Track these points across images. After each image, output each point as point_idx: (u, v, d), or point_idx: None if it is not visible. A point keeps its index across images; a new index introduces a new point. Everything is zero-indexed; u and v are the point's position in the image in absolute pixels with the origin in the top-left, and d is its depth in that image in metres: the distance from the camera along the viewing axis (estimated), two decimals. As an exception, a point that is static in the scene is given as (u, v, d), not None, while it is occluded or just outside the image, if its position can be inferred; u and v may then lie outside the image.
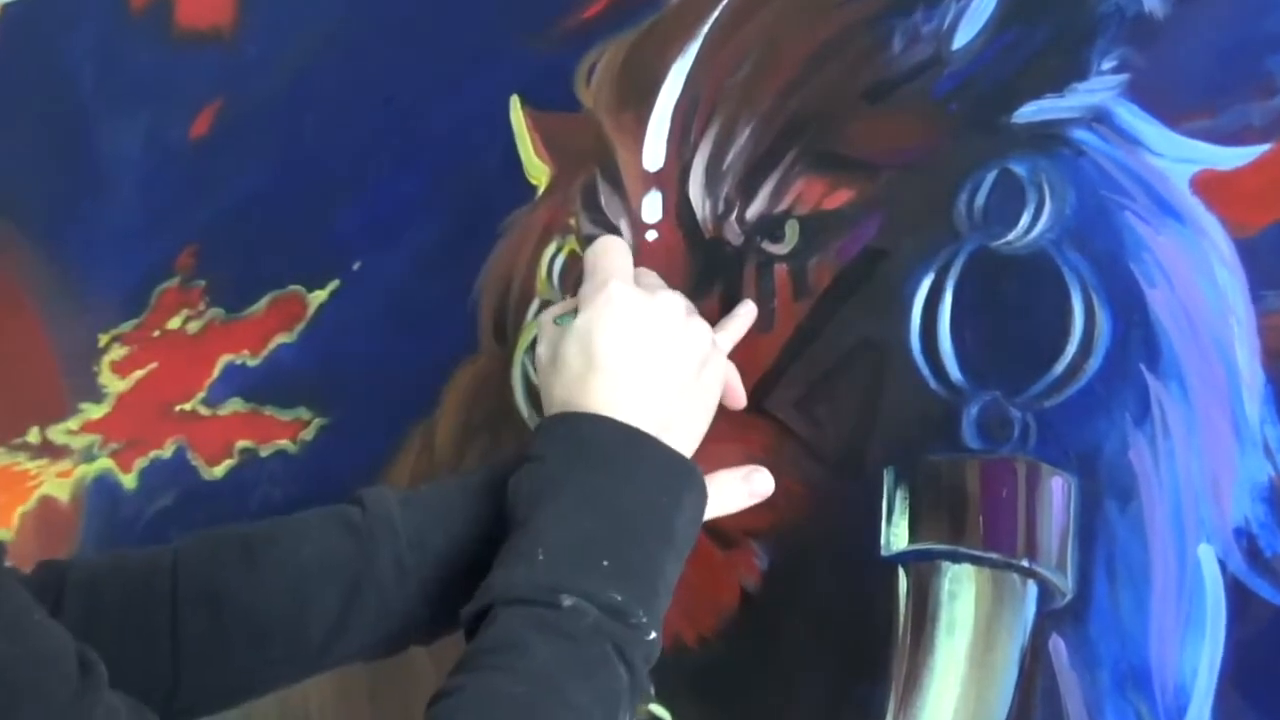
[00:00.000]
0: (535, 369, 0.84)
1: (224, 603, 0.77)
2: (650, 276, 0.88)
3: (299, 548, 0.79)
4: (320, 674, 0.80)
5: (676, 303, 0.81)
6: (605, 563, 0.70)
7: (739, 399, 0.88)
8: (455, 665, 0.68)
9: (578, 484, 0.74)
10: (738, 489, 0.84)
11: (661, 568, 0.73)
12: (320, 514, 0.81)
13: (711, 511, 0.80)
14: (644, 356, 0.78)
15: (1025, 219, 0.81)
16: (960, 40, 0.85)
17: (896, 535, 0.83)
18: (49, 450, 1.35)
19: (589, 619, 0.68)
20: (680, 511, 0.75)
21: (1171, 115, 0.78)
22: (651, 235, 0.96)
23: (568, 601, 0.68)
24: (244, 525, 0.83)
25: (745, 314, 0.89)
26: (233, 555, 0.79)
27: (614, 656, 0.68)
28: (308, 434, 1.16)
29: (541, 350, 0.83)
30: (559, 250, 1.02)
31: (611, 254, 0.83)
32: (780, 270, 0.90)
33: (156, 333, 1.29)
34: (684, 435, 0.79)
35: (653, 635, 0.71)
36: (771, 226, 0.91)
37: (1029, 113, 0.82)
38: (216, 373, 1.24)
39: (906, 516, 0.82)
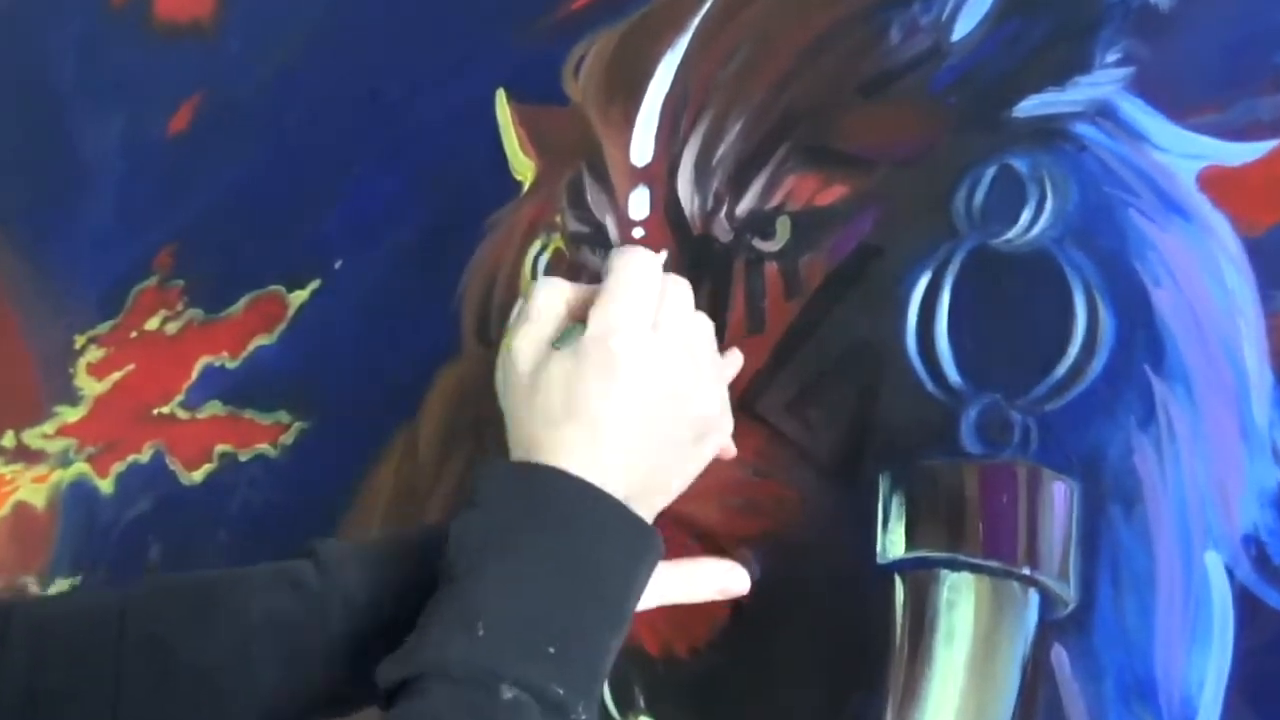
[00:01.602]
0: (503, 376, 0.77)
1: (169, 653, 0.75)
2: (677, 290, 0.79)
3: (249, 602, 0.76)
4: None
5: (698, 358, 0.76)
6: (551, 649, 0.65)
7: (728, 451, 0.85)
8: None
9: (530, 548, 0.68)
10: (712, 582, 0.82)
11: (606, 654, 0.69)
12: (272, 569, 0.78)
13: (674, 597, 0.79)
14: (639, 422, 0.73)
15: (1026, 216, 0.80)
16: (960, 32, 0.85)
17: (893, 542, 0.82)
18: (24, 455, 1.36)
19: (528, 715, 0.64)
20: (634, 590, 0.71)
21: (1177, 109, 0.77)
22: (638, 232, 0.95)
23: (508, 694, 0.63)
24: (195, 575, 0.81)
25: (732, 362, 0.86)
26: (183, 606, 0.77)
27: None
28: (288, 438, 1.16)
29: (521, 366, 0.76)
30: (544, 248, 1.02)
31: (636, 284, 0.76)
32: (771, 268, 0.89)
33: (134, 334, 1.30)
34: (657, 502, 0.76)
35: None
36: (762, 223, 0.90)
37: (1030, 107, 0.82)
38: (195, 375, 1.24)
39: (903, 523, 0.82)
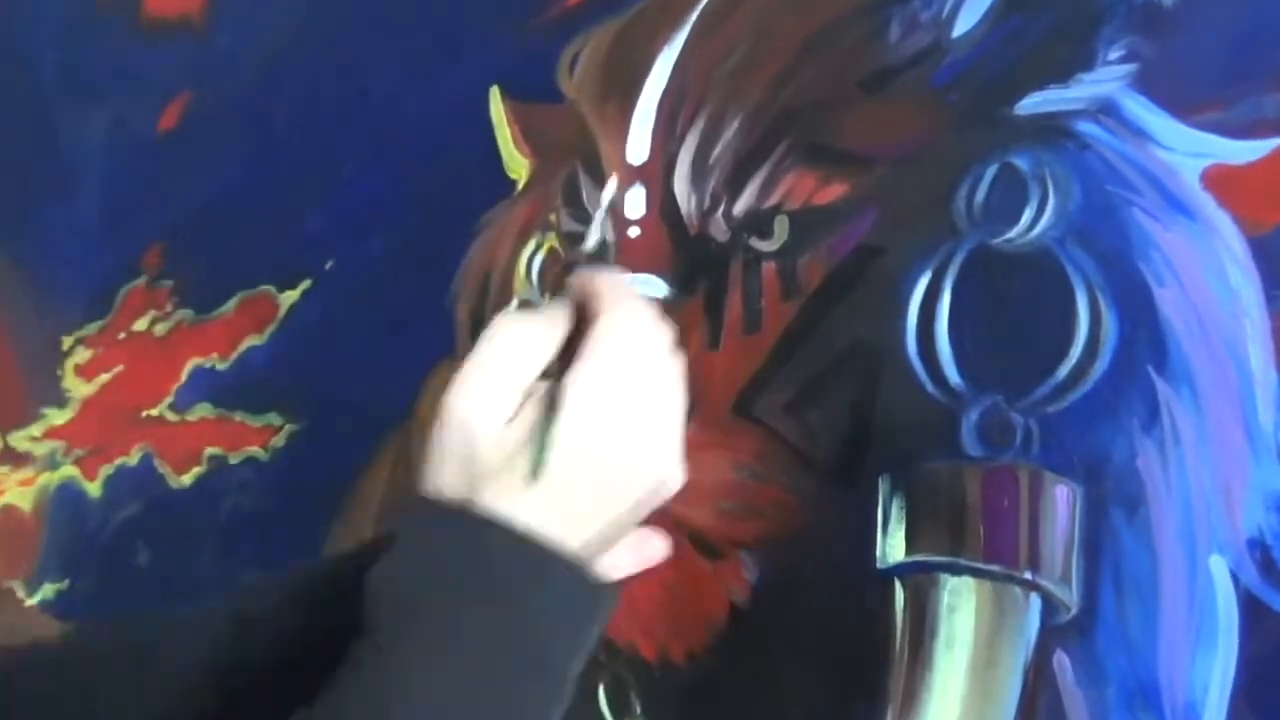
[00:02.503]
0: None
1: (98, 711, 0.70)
2: (655, 334, 0.70)
3: (180, 651, 0.70)
4: None
5: (663, 410, 0.68)
6: None
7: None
8: None
9: (465, 616, 0.60)
10: (629, 557, 0.71)
11: None
12: (203, 613, 0.71)
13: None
14: (604, 488, 0.65)
15: (1028, 215, 0.80)
16: (961, 28, 0.85)
17: (893, 546, 0.82)
18: (10, 457, 1.36)
19: None
20: (580, 658, 0.62)
21: (1181, 107, 0.77)
22: (634, 231, 0.95)
23: None
24: (129, 623, 0.76)
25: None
26: (119, 660, 0.71)
27: None
28: (279, 441, 1.16)
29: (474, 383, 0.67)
30: (539, 247, 1.02)
31: (620, 323, 0.67)
32: (769, 268, 0.89)
33: (122, 335, 1.30)
34: (605, 547, 0.66)
35: None
36: (760, 222, 0.90)
37: (1032, 104, 0.82)
38: (184, 376, 1.24)
39: (903, 527, 0.82)
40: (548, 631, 0.61)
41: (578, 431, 0.64)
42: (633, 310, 0.68)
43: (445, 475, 0.63)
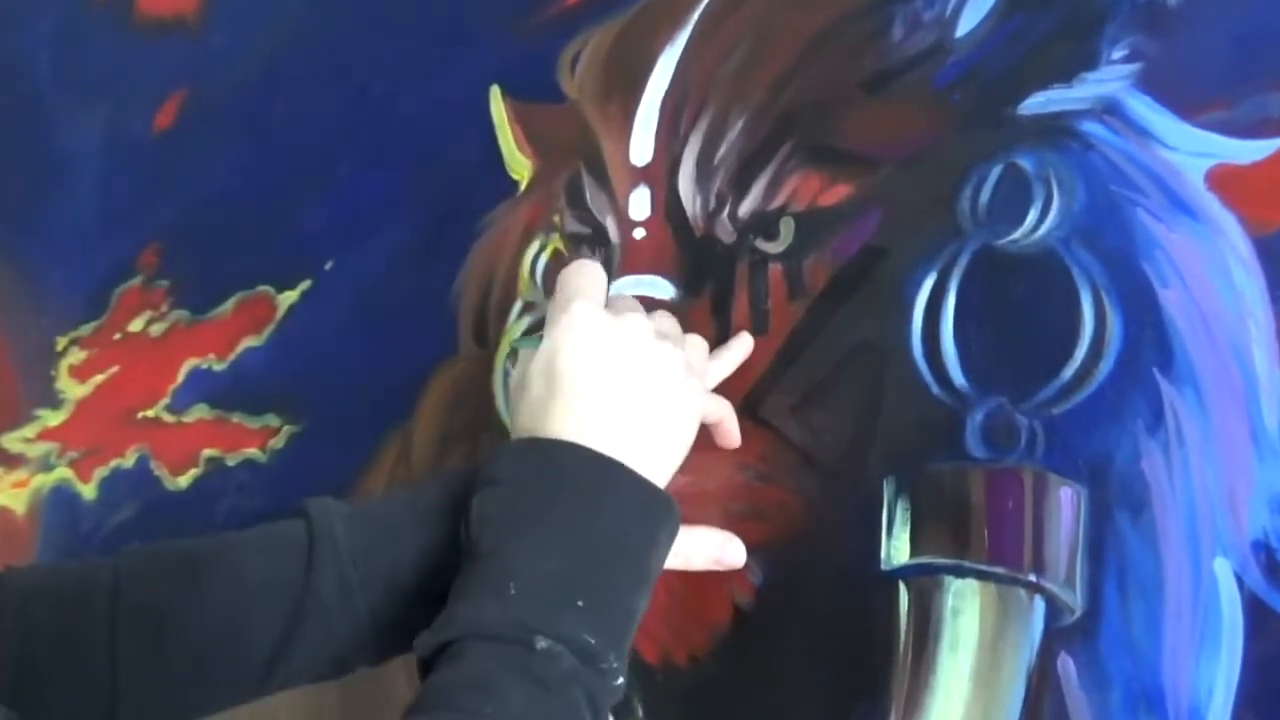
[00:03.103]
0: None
1: (164, 622, 0.77)
2: (626, 302, 0.85)
3: (242, 566, 0.78)
4: (266, 696, 0.80)
5: (644, 325, 0.80)
6: (580, 603, 0.69)
7: (732, 438, 0.88)
8: (417, 700, 0.67)
9: (549, 514, 0.72)
10: (707, 550, 0.83)
11: (635, 608, 0.73)
12: (264, 531, 0.81)
13: (672, 562, 0.79)
14: (608, 380, 0.77)
15: (1032, 216, 0.81)
16: (964, 27, 0.85)
17: (897, 548, 0.82)
18: (4, 459, 1.35)
19: (564, 665, 0.67)
20: (656, 548, 0.75)
21: (1186, 106, 0.78)
22: (639, 233, 0.95)
23: (542, 643, 0.67)
24: (187, 541, 0.82)
25: (740, 346, 0.89)
26: (175, 573, 0.79)
27: (584, 705, 0.68)
28: (277, 442, 1.16)
29: (513, 374, 0.82)
30: (542, 249, 1.02)
31: (581, 275, 0.82)
32: (774, 270, 0.90)
33: (118, 335, 1.29)
34: (657, 465, 0.77)
35: (620, 680, 0.70)
36: (765, 224, 0.90)
37: (1036, 104, 0.82)
38: (181, 378, 1.24)
39: (907, 529, 0.82)
40: (626, 523, 0.73)
41: (568, 351, 0.77)
42: (590, 268, 0.83)
43: (519, 417, 0.78)
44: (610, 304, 0.82)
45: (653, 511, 0.75)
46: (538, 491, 0.73)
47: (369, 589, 0.77)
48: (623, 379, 0.77)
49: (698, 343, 0.85)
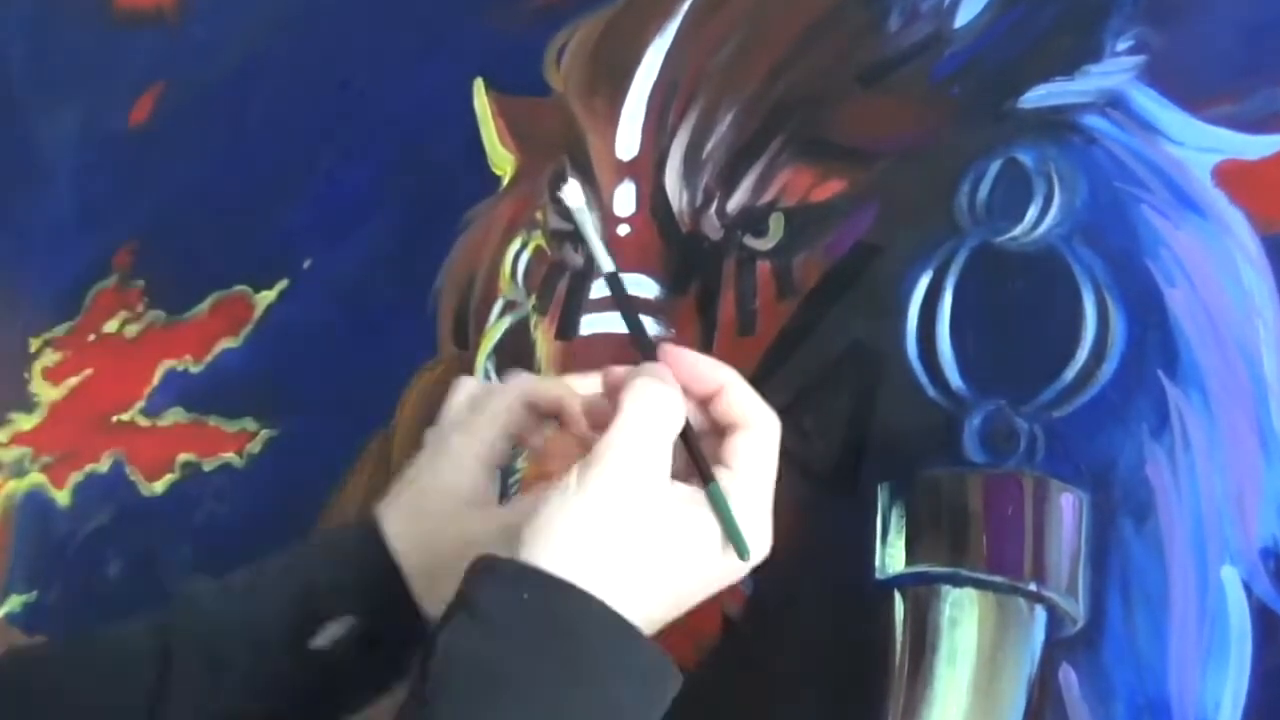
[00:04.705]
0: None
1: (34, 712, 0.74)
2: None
3: (107, 658, 0.75)
4: None
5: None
6: None
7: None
8: None
9: (534, 690, 0.59)
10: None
11: None
12: (129, 622, 0.76)
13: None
14: (675, 571, 0.65)
15: (1032, 212, 0.80)
16: (963, 18, 0.85)
17: (892, 557, 0.82)
18: (-25, 464, 1.36)
19: None
20: None
21: (1192, 100, 0.77)
22: (624, 229, 0.95)
23: None
24: (54, 643, 0.82)
25: None
26: (43, 664, 0.77)
27: None
28: (255, 446, 1.16)
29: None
30: (524, 246, 1.02)
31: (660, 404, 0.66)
32: (763, 267, 0.89)
33: (92, 336, 1.30)
34: (661, 613, 0.66)
35: None
36: (754, 220, 0.90)
37: (1037, 97, 0.82)
38: (156, 380, 1.24)
39: (903, 536, 0.82)
40: (624, 710, 0.61)
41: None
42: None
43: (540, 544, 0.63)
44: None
45: (657, 693, 0.63)
46: (527, 651, 0.60)
47: (236, 651, 0.73)
48: (667, 519, 0.65)
49: None
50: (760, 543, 0.66)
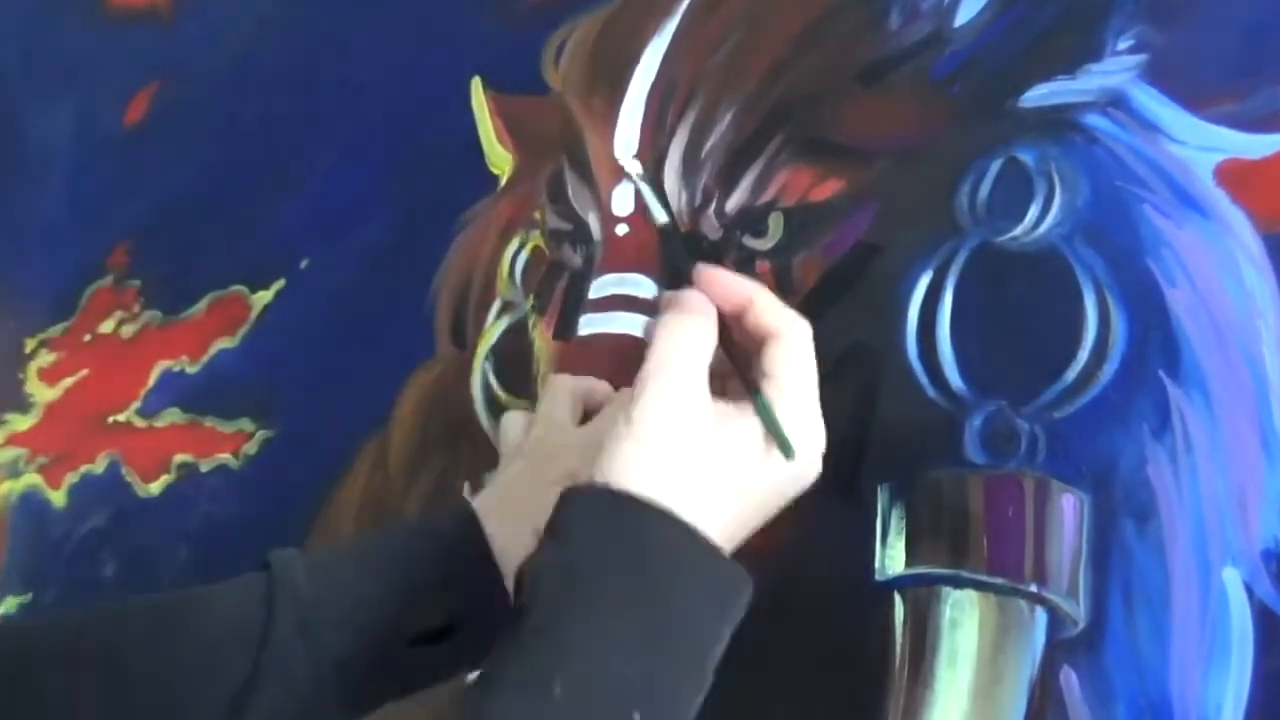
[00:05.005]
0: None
1: (124, 672, 0.76)
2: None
3: (203, 615, 0.77)
4: None
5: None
6: (636, 716, 0.63)
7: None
8: None
9: (618, 601, 0.65)
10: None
11: (690, 714, 0.67)
12: (226, 582, 0.79)
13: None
14: (697, 433, 0.70)
15: (1033, 212, 0.80)
16: (963, 16, 0.85)
17: (892, 558, 0.82)
18: (-30, 465, 1.35)
19: None
20: (722, 643, 0.68)
21: (1194, 99, 0.77)
22: (622, 229, 0.95)
23: None
24: (149, 595, 0.82)
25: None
26: (134, 624, 0.78)
27: None
28: (251, 447, 1.16)
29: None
30: (522, 246, 1.02)
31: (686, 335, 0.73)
32: (763, 267, 0.89)
33: (87, 337, 1.29)
34: (733, 532, 0.72)
35: None
36: (753, 219, 0.90)
37: (1038, 96, 0.82)
38: (152, 381, 1.24)
39: (903, 538, 0.81)
40: (697, 620, 0.67)
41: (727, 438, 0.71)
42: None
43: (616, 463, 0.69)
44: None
45: (730, 602, 0.69)
46: (608, 563, 0.66)
47: (330, 631, 0.76)
48: (713, 433, 0.70)
49: None
50: (810, 442, 0.73)
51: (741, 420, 0.71)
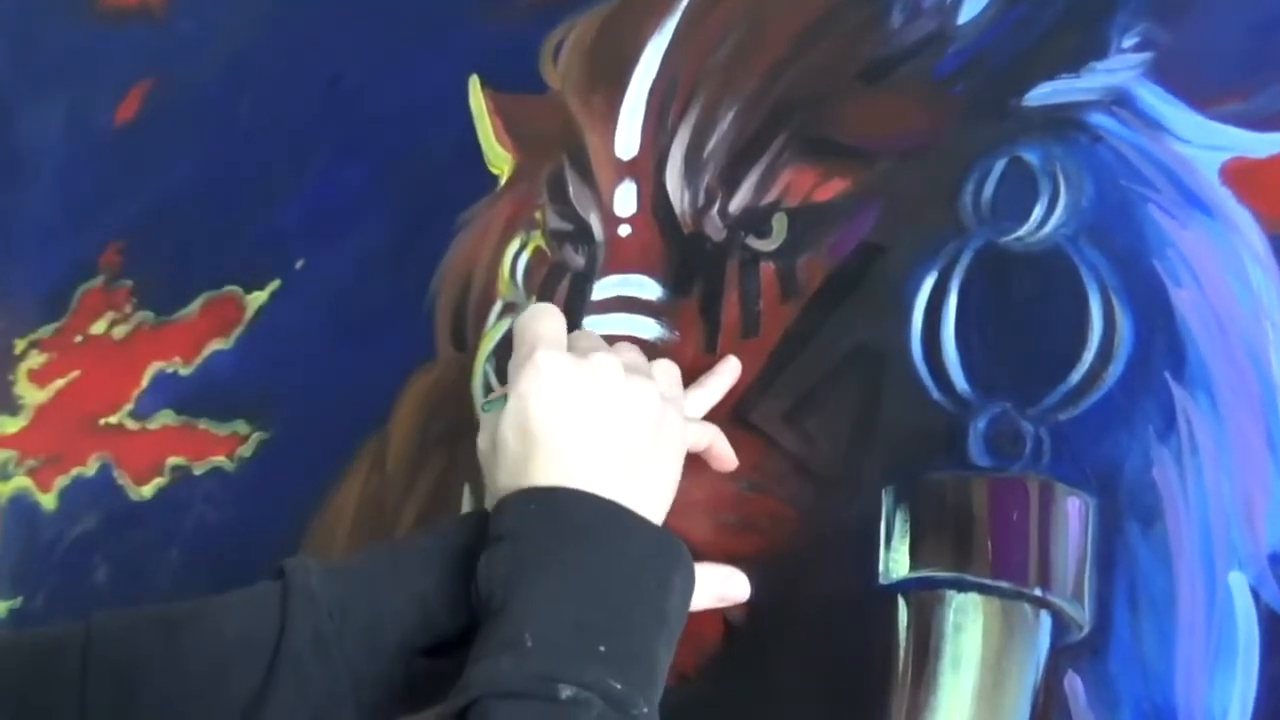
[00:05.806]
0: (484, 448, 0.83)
1: (137, 680, 0.76)
2: (588, 339, 0.85)
3: (217, 622, 0.78)
4: None
5: (611, 364, 0.80)
6: (602, 648, 0.69)
7: (725, 461, 0.88)
8: None
9: (558, 561, 0.73)
10: (709, 587, 0.84)
11: (658, 655, 0.73)
12: (240, 591, 0.80)
13: None
14: (585, 426, 0.78)
15: (1038, 212, 0.80)
16: (966, 14, 0.85)
17: (896, 562, 0.82)
18: (-41, 468, 1.35)
19: (592, 713, 0.67)
20: (670, 594, 0.75)
21: (1199, 97, 0.77)
22: (624, 230, 0.95)
23: (567, 692, 0.67)
24: (163, 605, 0.82)
25: (727, 371, 0.89)
26: (148, 631, 0.78)
27: None
28: (246, 450, 1.16)
29: (481, 441, 0.82)
30: (523, 247, 1.01)
31: (537, 321, 0.83)
32: (766, 268, 0.89)
33: (79, 338, 1.29)
34: (650, 506, 0.79)
35: None
36: (757, 220, 0.90)
37: (1042, 95, 0.82)
38: (145, 382, 1.24)
39: (907, 541, 0.82)
40: (637, 566, 0.74)
41: (540, 401, 0.78)
42: (546, 312, 0.84)
43: (500, 477, 0.79)
44: (571, 344, 0.83)
45: (663, 556, 0.76)
46: (544, 539, 0.74)
47: (345, 642, 0.76)
48: (600, 422, 0.78)
49: (668, 370, 0.86)
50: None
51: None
